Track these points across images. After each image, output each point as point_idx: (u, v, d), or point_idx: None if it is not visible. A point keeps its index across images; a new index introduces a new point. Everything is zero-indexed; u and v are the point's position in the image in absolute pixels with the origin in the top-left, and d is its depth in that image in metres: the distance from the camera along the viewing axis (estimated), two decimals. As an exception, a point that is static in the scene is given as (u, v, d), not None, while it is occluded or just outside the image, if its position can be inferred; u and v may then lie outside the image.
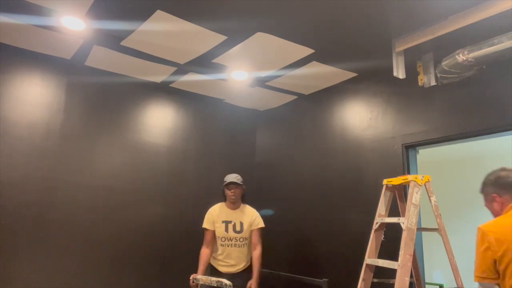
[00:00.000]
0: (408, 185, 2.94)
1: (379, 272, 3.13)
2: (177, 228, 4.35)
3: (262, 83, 4.25)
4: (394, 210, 3.08)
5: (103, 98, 4.10)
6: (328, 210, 4.06)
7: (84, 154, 3.89)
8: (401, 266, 2.61)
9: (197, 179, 4.63)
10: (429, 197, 2.97)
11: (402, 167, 3.47)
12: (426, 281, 3.39)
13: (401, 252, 2.67)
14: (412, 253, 2.71)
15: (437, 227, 2.99)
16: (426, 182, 2.97)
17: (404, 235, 2.74)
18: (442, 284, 3.17)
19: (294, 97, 4.70)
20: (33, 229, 3.50)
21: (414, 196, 2.86)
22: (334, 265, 3.85)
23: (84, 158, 3.88)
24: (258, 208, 5.04)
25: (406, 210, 2.83)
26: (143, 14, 2.92)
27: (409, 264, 2.64)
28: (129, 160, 4.16)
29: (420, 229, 3.23)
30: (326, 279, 3.56)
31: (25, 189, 3.51)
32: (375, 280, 3.05)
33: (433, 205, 2.95)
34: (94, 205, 3.85)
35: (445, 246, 2.87)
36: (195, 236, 4.49)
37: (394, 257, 3.08)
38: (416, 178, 2.93)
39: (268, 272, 4.11)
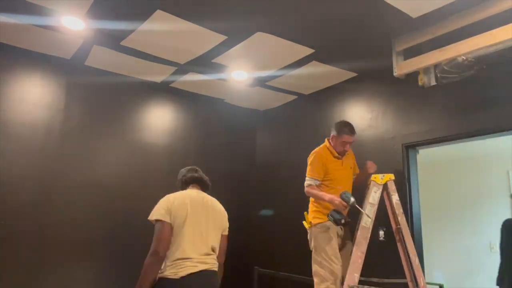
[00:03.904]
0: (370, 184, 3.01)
1: (379, 272, 3.14)
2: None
3: (262, 83, 4.25)
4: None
5: (103, 98, 4.10)
6: (328, 210, 4.06)
7: (84, 154, 3.89)
8: (352, 262, 2.76)
9: (197, 179, 4.62)
10: (391, 195, 2.97)
11: (402, 167, 3.48)
12: (426, 281, 3.39)
13: (354, 249, 2.80)
14: (364, 251, 2.78)
15: (405, 226, 2.98)
16: (388, 181, 2.98)
17: (357, 233, 2.83)
18: (442, 284, 3.16)
19: (294, 97, 4.70)
20: (33, 228, 3.50)
21: (372, 195, 2.93)
22: (334, 265, 3.85)
23: (84, 158, 3.88)
24: (258, 207, 5.06)
25: (363, 208, 2.89)
26: (143, 14, 2.92)
27: (360, 261, 2.75)
28: (129, 160, 4.16)
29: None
30: (326, 279, 3.56)
31: (25, 189, 3.51)
32: (375, 280, 3.06)
33: (394, 203, 2.95)
34: (94, 204, 3.85)
35: (406, 245, 2.88)
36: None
37: (394, 257, 3.08)
38: (375, 177, 3.00)
39: (268, 272, 4.11)
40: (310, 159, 3.22)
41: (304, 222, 3.23)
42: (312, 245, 3.10)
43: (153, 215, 2.25)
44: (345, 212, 2.94)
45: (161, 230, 2.19)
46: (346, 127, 3.19)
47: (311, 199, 3.23)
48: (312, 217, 3.14)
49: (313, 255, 3.07)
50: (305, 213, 3.22)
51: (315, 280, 3.00)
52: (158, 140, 4.42)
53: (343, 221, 2.85)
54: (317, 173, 3.13)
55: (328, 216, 2.93)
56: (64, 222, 3.66)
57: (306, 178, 3.16)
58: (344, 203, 2.82)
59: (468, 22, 2.71)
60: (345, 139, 3.16)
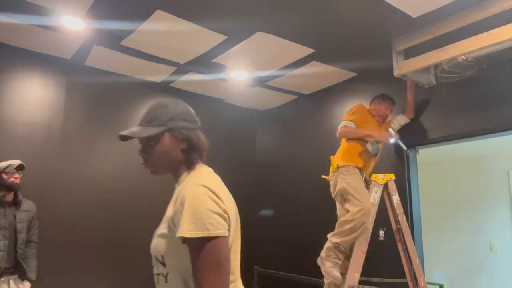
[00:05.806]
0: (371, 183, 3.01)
1: (379, 272, 3.14)
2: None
3: (262, 83, 4.24)
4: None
5: (103, 98, 4.10)
6: (328, 209, 4.05)
7: (84, 154, 3.89)
8: (352, 262, 2.76)
9: (197, 179, 4.62)
10: (391, 195, 2.97)
11: (402, 167, 3.47)
12: (426, 281, 3.39)
13: (354, 249, 2.79)
14: (365, 251, 2.77)
15: (405, 226, 2.99)
16: (388, 181, 2.98)
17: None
18: (442, 284, 3.17)
19: (294, 97, 4.70)
20: (33, 229, 3.49)
21: (373, 195, 2.93)
22: (334, 265, 3.84)
23: (84, 158, 3.88)
24: (258, 207, 5.05)
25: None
26: (143, 14, 2.92)
27: (360, 261, 2.75)
28: (129, 159, 4.15)
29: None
30: (326, 279, 3.55)
31: (25, 189, 3.50)
32: (375, 280, 3.06)
33: (395, 203, 2.95)
34: (94, 204, 3.84)
35: (406, 245, 2.89)
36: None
37: (394, 257, 3.09)
38: (376, 177, 2.99)
39: (268, 272, 4.11)
40: (351, 110, 3.22)
41: (322, 176, 3.23)
42: (337, 188, 2.98)
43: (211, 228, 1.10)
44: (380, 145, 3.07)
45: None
46: (388, 97, 3.36)
47: (344, 145, 3.15)
48: (340, 160, 3.06)
49: (340, 198, 3.01)
50: (331, 157, 3.16)
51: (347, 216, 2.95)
52: (158, 140, 4.41)
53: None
54: (356, 117, 3.13)
55: (368, 144, 3.00)
56: (64, 222, 3.66)
57: (343, 121, 3.13)
58: (392, 134, 3.09)
59: (468, 22, 2.71)
60: (387, 106, 3.31)
